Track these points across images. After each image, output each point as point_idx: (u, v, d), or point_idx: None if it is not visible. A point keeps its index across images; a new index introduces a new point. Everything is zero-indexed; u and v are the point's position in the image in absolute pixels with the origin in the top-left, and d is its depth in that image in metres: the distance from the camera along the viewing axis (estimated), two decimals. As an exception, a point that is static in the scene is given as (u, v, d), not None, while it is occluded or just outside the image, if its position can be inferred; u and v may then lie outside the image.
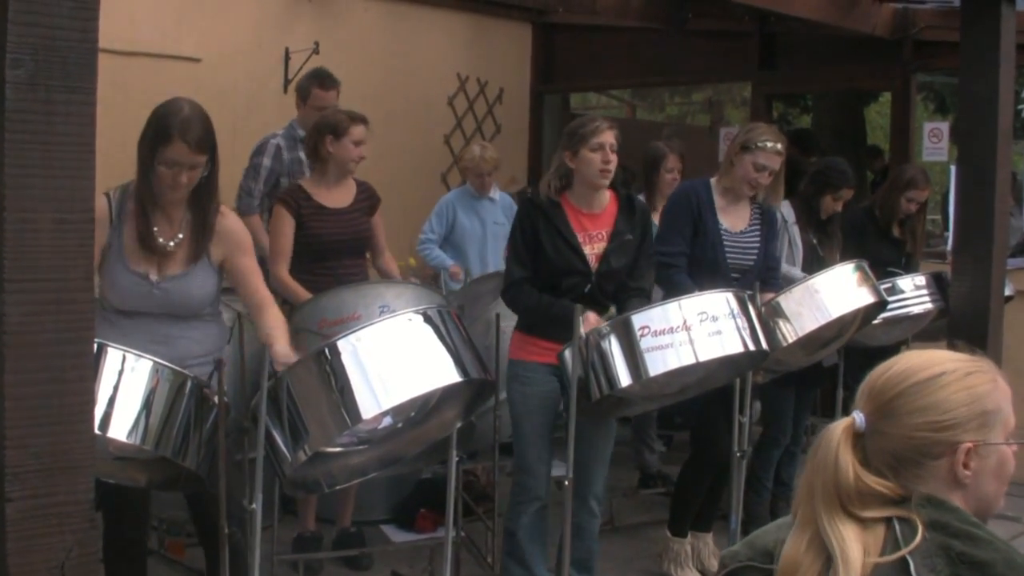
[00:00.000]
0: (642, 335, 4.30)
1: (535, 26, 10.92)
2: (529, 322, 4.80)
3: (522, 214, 4.84)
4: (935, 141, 9.15)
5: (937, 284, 6.42)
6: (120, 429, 3.61)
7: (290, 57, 8.55)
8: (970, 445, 2.00)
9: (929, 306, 6.37)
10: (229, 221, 4.23)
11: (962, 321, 5.85)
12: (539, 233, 4.71)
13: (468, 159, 7.31)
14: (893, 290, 6.16)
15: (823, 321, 5.31)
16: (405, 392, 3.80)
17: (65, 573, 2.64)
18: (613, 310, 4.70)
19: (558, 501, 4.75)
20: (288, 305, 5.31)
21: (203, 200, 4.09)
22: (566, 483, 4.46)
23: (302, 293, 5.30)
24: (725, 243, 5.42)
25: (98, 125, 2.65)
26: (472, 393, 4.18)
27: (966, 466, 2.00)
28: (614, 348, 4.33)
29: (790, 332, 5.22)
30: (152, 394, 3.68)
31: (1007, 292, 6.50)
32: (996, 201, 5.78)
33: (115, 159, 7.79)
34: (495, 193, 7.32)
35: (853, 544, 1.95)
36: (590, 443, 4.88)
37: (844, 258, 5.98)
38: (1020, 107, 13.45)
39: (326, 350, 3.73)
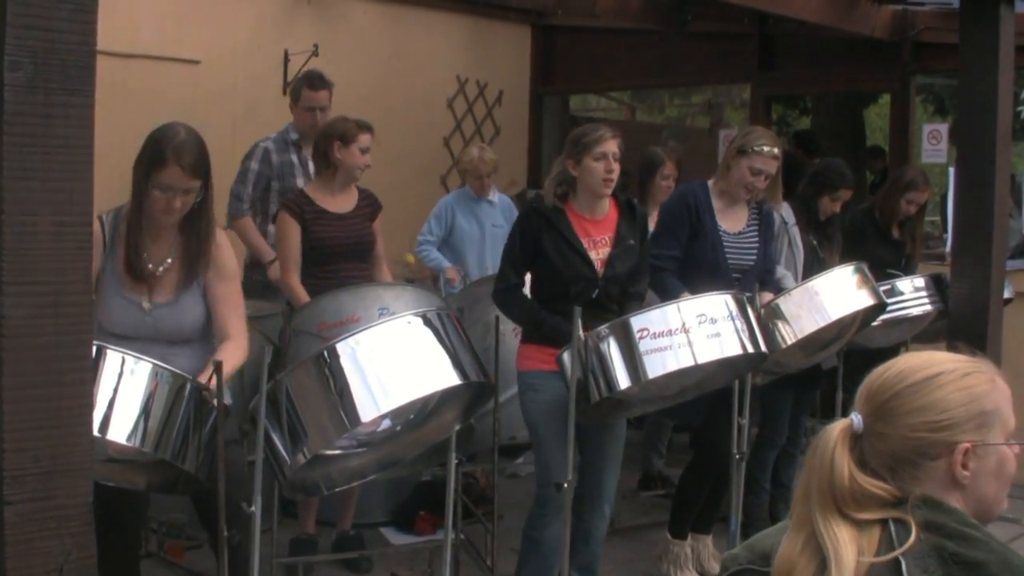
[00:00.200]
0: (641, 337, 4.30)
1: (534, 28, 10.93)
2: (526, 331, 4.80)
3: (524, 221, 4.81)
4: (934, 143, 9.15)
5: (936, 286, 6.41)
6: (119, 432, 3.61)
7: (289, 59, 8.55)
8: (968, 445, 2.00)
9: (928, 308, 6.36)
10: (223, 252, 4.18)
11: (961, 323, 5.84)
12: (543, 241, 4.69)
13: (467, 161, 7.31)
14: (892, 292, 6.16)
15: (822, 323, 5.31)
16: (404, 395, 3.80)
17: (64, 576, 2.64)
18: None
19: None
20: (289, 306, 5.32)
21: (195, 225, 4.06)
22: (565, 485, 4.45)
23: (303, 297, 5.31)
24: (725, 244, 5.42)
25: (97, 127, 2.66)
26: (471, 396, 4.18)
27: (964, 467, 2.00)
28: (613, 350, 4.33)
29: (789, 334, 5.22)
30: (151, 397, 3.67)
31: (1006, 294, 6.50)
32: (995, 203, 5.78)
33: (114, 161, 7.78)
34: (494, 195, 7.32)
35: (847, 546, 1.94)
36: (601, 446, 4.87)
37: (844, 260, 5.98)
38: (1019, 108, 13.45)
39: (325, 353, 3.73)
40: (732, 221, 5.50)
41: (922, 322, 6.51)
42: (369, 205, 5.73)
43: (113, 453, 3.87)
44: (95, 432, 3.20)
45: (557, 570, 4.81)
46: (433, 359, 3.85)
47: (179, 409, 3.73)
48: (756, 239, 5.53)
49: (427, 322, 3.89)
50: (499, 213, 7.28)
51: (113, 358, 3.63)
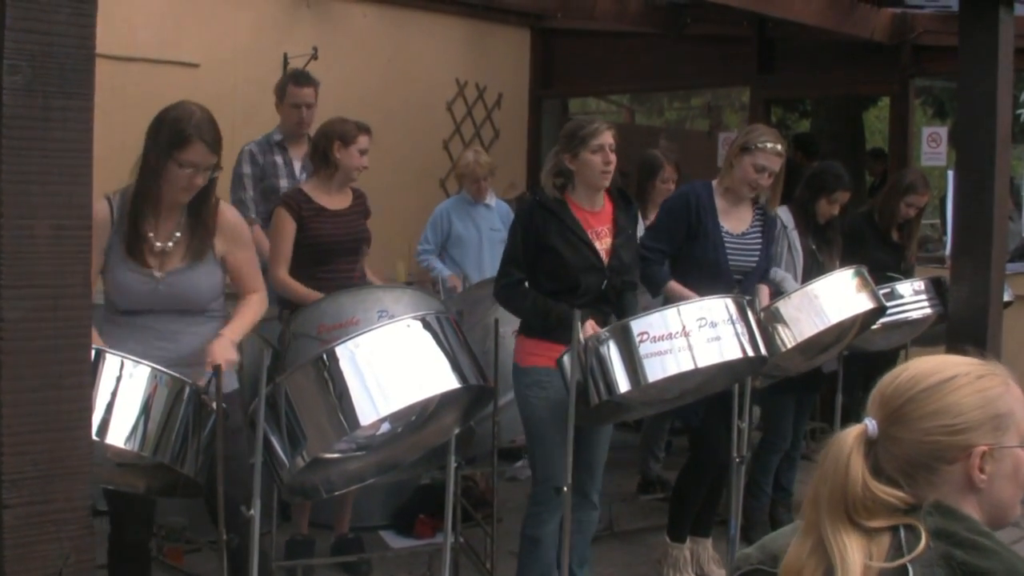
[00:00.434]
0: (641, 341, 4.30)
1: (533, 31, 10.93)
2: (528, 325, 4.79)
3: (527, 215, 4.79)
4: (934, 146, 9.15)
5: (936, 289, 6.41)
6: (118, 435, 3.61)
7: (289, 62, 8.54)
8: (985, 448, 1.98)
9: (928, 311, 6.36)
10: (229, 215, 4.27)
11: (961, 326, 5.84)
12: (549, 234, 4.68)
13: (463, 165, 7.32)
14: (892, 295, 6.16)
15: (822, 327, 5.31)
16: (403, 398, 3.80)
17: (62, 580, 2.63)
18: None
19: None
20: (287, 310, 5.31)
21: (204, 200, 4.12)
22: (565, 489, 4.45)
23: (304, 292, 5.30)
24: (727, 245, 5.42)
25: (96, 131, 2.65)
26: (471, 399, 4.17)
27: (981, 470, 1.98)
28: (613, 354, 4.33)
29: (789, 337, 5.22)
30: (150, 400, 3.67)
31: (1006, 297, 6.50)
32: (995, 205, 5.78)
33: (113, 165, 7.75)
34: (491, 200, 7.32)
35: (855, 554, 1.93)
36: (592, 441, 4.87)
37: (843, 263, 5.98)
38: (1019, 111, 13.48)
39: (324, 356, 3.73)
40: (735, 222, 5.49)
41: (922, 325, 6.51)
42: (362, 205, 5.75)
43: (112, 456, 3.87)
44: (94, 435, 3.20)
45: (556, 568, 4.83)
46: (432, 362, 3.85)
47: (178, 412, 3.73)
48: (759, 241, 5.52)
49: (426, 325, 3.88)
50: (497, 217, 7.28)
51: (112, 361, 3.63)
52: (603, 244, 4.78)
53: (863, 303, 5.50)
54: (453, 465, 4.24)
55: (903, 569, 1.91)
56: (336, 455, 4.22)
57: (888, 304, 5.89)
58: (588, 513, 5.00)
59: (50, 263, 2.59)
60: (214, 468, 3.81)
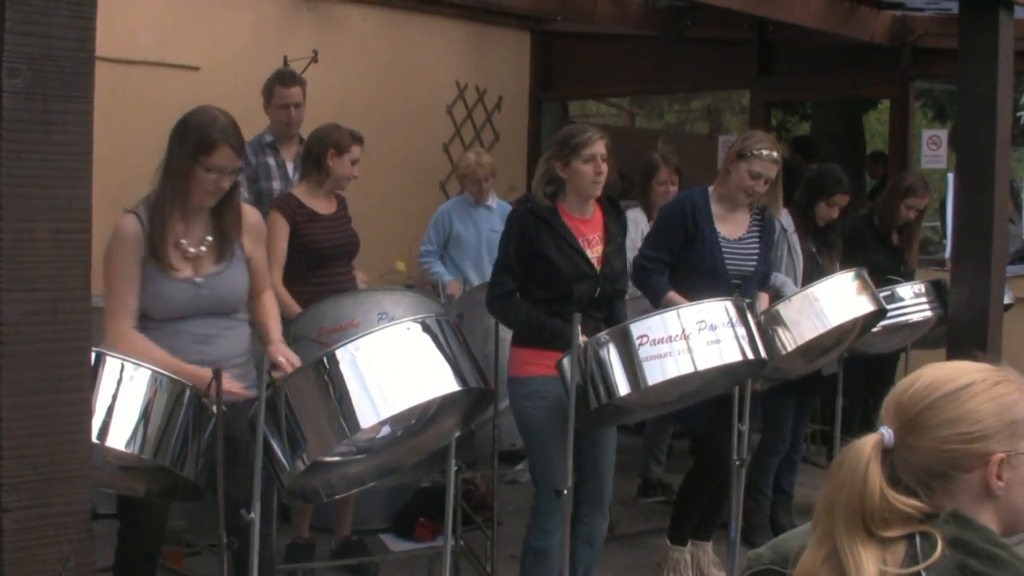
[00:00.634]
0: (641, 344, 4.29)
1: (534, 34, 10.92)
2: (521, 335, 4.78)
3: (519, 223, 4.75)
4: (934, 148, 9.16)
5: (936, 292, 6.41)
6: (118, 438, 3.61)
7: (289, 65, 8.52)
8: (1003, 455, 1.97)
9: (928, 314, 6.36)
10: (252, 215, 4.37)
11: (961, 329, 5.84)
12: (541, 242, 4.67)
13: (464, 166, 7.31)
14: (892, 298, 6.16)
15: (822, 329, 5.30)
16: (404, 401, 3.79)
17: (62, 583, 2.63)
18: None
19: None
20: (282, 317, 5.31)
21: (228, 201, 4.16)
22: (565, 492, 4.44)
23: (288, 301, 5.31)
24: (724, 250, 5.42)
25: (97, 134, 2.65)
26: (471, 402, 4.17)
27: (999, 477, 1.97)
28: (613, 357, 4.32)
29: (789, 340, 5.22)
30: (151, 403, 3.67)
31: (1006, 299, 6.50)
32: (995, 208, 5.77)
33: (113, 168, 7.77)
34: (493, 201, 7.32)
35: (870, 565, 1.92)
36: (599, 447, 4.86)
37: (843, 266, 5.97)
38: (1019, 114, 13.48)
39: (324, 359, 3.72)
40: (732, 227, 5.49)
41: (922, 328, 6.50)
42: (346, 208, 5.78)
43: (112, 460, 3.86)
44: (94, 439, 3.20)
45: None
46: (433, 365, 3.84)
47: (178, 415, 3.73)
48: (757, 246, 5.52)
49: (426, 328, 3.87)
50: (497, 219, 7.26)
51: (112, 364, 3.63)
52: (595, 252, 4.77)
53: (863, 306, 5.50)
54: (453, 468, 4.23)
55: None
56: (336, 458, 4.21)
57: (888, 307, 5.88)
58: (600, 525, 4.97)
59: (50, 266, 2.59)
60: (211, 473, 3.81)
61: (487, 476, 6.20)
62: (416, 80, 9.82)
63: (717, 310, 4.47)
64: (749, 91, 10.41)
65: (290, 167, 6.42)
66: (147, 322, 4.06)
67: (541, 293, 4.71)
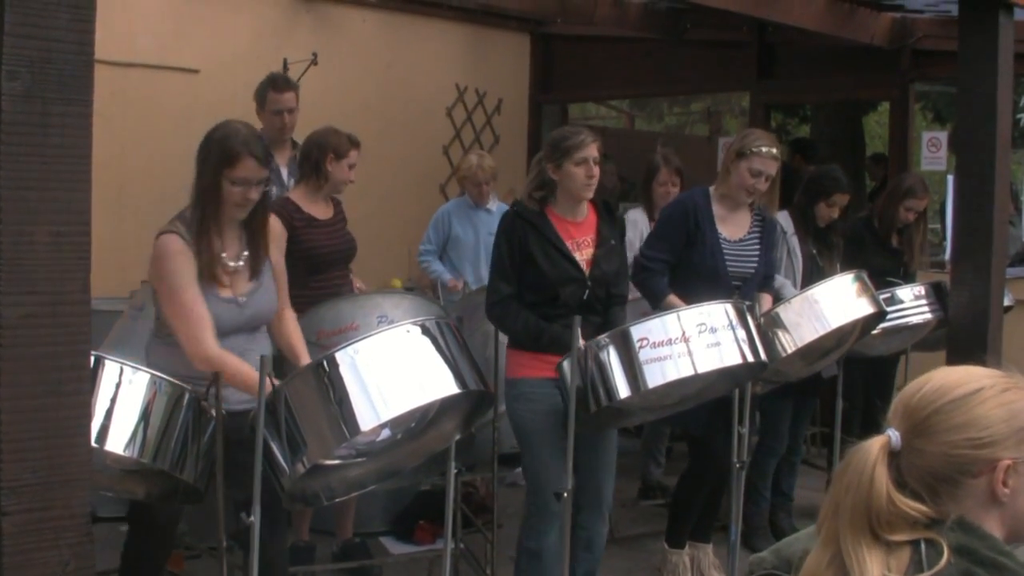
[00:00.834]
0: (641, 346, 4.29)
1: (533, 36, 10.93)
2: (519, 342, 4.78)
3: (508, 227, 4.77)
4: (934, 150, 9.16)
5: (936, 294, 6.41)
6: (117, 442, 3.61)
7: (288, 68, 8.54)
8: (1009, 462, 1.96)
9: (928, 316, 6.36)
10: (276, 225, 4.45)
11: (961, 331, 5.83)
12: (528, 245, 4.68)
13: (465, 168, 7.30)
14: (892, 300, 6.16)
15: (822, 331, 5.30)
16: (404, 404, 3.79)
17: (62, 587, 2.63)
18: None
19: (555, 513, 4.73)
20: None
21: (256, 215, 4.17)
22: (565, 495, 4.44)
23: None
24: (724, 251, 5.42)
25: (96, 137, 2.65)
26: (471, 405, 4.16)
27: (1005, 484, 1.97)
28: (613, 359, 4.32)
29: (789, 343, 5.21)
30: (150, 406, 3.68)
31: (1007, 302, 6.50)
32: (995, 210, 5.77)
33: (113, 170, 7.78)
34: (492, 204, 7.31)
35: (874, 568, 1.91)
36: (598, 453, 4.86)
37: (843, 268, 5.97)
38: (1019, 116, 13.49)
39: (324, 362, 3.71)
40: (733, 228, 5.50)
41: (922, 330, 6.50)
42: (343, 211, 5.77)
43: (111, 463, 3.86)
44: (93, 442, 3.20)
45: None
46: (432, 368, 3.83)
47: (177, 418, 3.74)
48: (757, 247, 5.52)
49: (426, 331, 3.87)
50: (496, 221, 7.25)
51: (111, 368, 3.63)
52: (584, 255, 4.77)
53: (863, 308, 5.50)
54: (453, 471, 4.23)
55: None
56: (336, 461, 4.20)
57: (888, 309, 5.88)
58: (599, 529, 4.96)
59: (49, 269, 2.59)
60: (210, 476, 3.81)
61: (487, 479, 6.19)
62: (416, 82, 9.82)
63: (717, 312, 4.46)
64: (749, 93, 10.41)
65: (284, 172, 6.40)
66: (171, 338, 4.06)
67: (531, 297, 4.71)
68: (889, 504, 1.96)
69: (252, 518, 3.73)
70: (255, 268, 4.17)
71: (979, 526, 1.95)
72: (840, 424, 6.53)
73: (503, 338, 5.10)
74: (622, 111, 17.22)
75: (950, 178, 8.11)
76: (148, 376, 3.69)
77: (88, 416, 2.78)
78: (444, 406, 4.12)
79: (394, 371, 3.75)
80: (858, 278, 5.52)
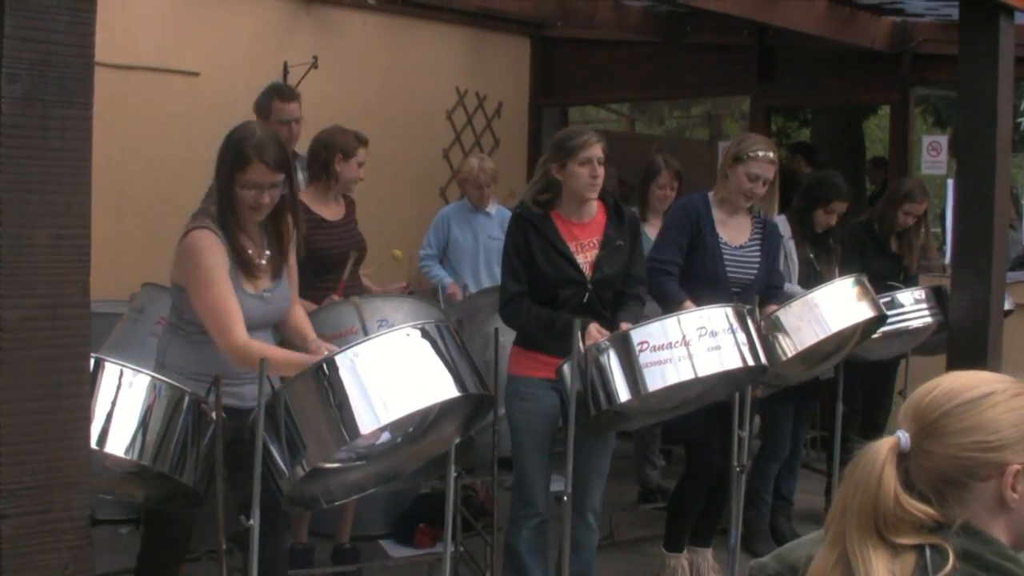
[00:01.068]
0: (641, 350, 4.29)
1: (534, 40, 10.93)
2: (529, 337, 4.78)
3: (513, 228, 4.81)
4: (934, 154, 9.16)
5: (936, 298, 6.40)
6: (117, 444, 3.61)
7: (289, 71, 8.55)
8: (1019, 467, 1.96)
9: (928, 320, 6.35)
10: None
11: (961, 335, 5.83)
12: (530, 247, 4.70)
13: (466, 171, 7.30)
14: (892, 304, 6.15)
15: (822, 335, 5.30)
16: (403, 407, 3.78)
17: (61, 590, 2.62)
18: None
19: (557, 516, 4.74)
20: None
21: (281, 215, 4.18)
22: (564, 498, 4.44)
23: None
24: (725, 257, 5.42)
25: (96, 139, 2.64)
26: (471, 408, 4.16)
27: (1013, 489, 1.96)
28: (613, 363, 4.32)
29: (789, 346, 5.21)
30: (149, 409, 3.68)
31: (1007, 306, 6.49)
32: (995, 214, 5.77)
33: (113, 174, 7.78)
34: (492, 207, 7.31)
35: (880, 570, 1.91)
36: (589, 456, 4.86)
37: (843, 272, 5.97)
38: (1019, 119, 13.49)
39: (324, 365, 3.71)
40: (734, 233, 5.50)
41: (922, 334, 6.49)
42: (354, 211, 5.77)
43: (111, 466, 3.86)
44: (93, 445, 3.19)
45: None
46: (432, 371, 3.83)
47: (177, 421, 3.73)
48: (758, 254, 5.52)
49: (426, 334, 3.87)
50: (496, 225, 7.26)
51: (111, 370, 3.63)
52: (587, 257, 4.77)
53: (864, 312, 5.49)
54: (453, 474, 4.22)
55: None
56: (336, 465, 4.20)
57: (888, 313, 5.88)
58: (583, 533, 4.95)
59: (49, 272, 2.58)
60: (210, 478, 3.81)
61: (487, 482, 6.19)
62: (416, 86, 9.83)
63: (718, 316, 4.46)
64: (749, 97, 10.42)
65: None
66: (197, 334, 4.06)
67: (535, 296, 4.73)
68: (896, 505, 1.95)
69: (251, 521, 3.73)
70: (276, 269, 4.19)
71: (985, 531, 1.95)
72: (840, 428, 6.52)
73: (503, 341, 5.10)
74: (622, 115, 17.22)
75: (950, 182, 8.11)
76: (148, 379, 3.69)
77: (88, 419, 2.77)
78: (444, 409, 4.12)
79: (394, 374, 3.75)
80: (858, 282, 5.52)
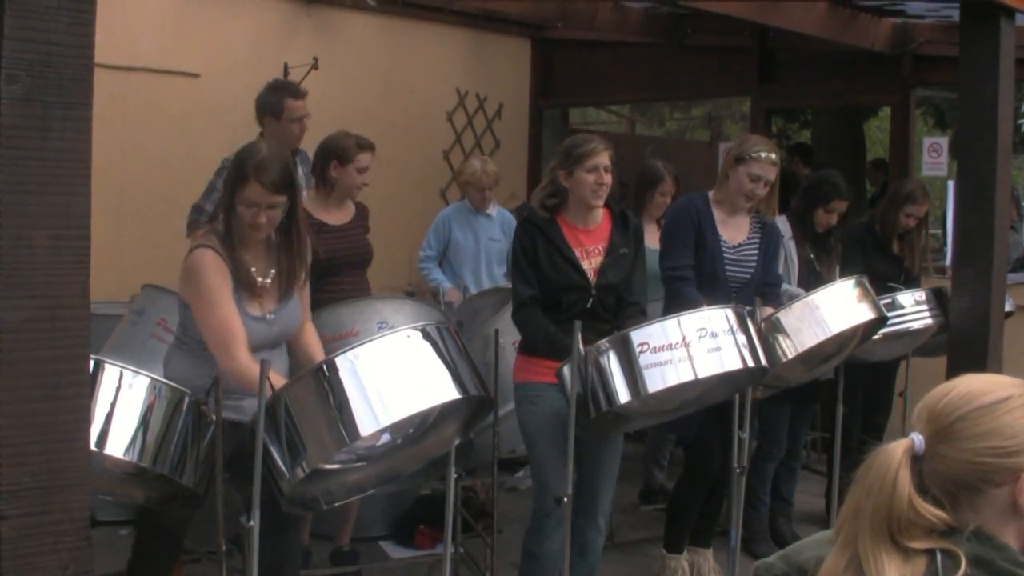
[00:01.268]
0: (641, 351, 4.28)
1: (534, 41, 10.93)
2: (535, 346, 4.78)
3: (520, 233, 4.83)
4: (934, 156, 9.16)
5: (937, 299, 6.40)
6: (117, 446, 3.61)
7: (289, 72, 8.54)
8: None
9: (929, 321, 6.35)
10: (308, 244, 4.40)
11: (962, 336, 5.83)
12: (536, 251, 4.71)
13: (468, 173, 7.29)
14: (893, 305, 6.14)
15: (823, 337, 5.29)
16: (404, 409, 3.78)
17: (60, 591, 2.62)
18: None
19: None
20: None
21: (288, 237, 4.15)
22: (565, 499, 4.44)
23: None
24: (724, 256, 5.42)
25: (96, 141, 2.64)
26: (471, 410, 4.16)
27: None
28: (613, 364, 4.31)
29: (790, 348, 5.20)
30: (149, 411, 3.68)
31: (1007, 307, 6.48)
32: (996, 216, 5.77)
33: (113, 175, 7.78)
34: (493, 209, 7.31)
35: (892, 574, 1.90)
36: (598, 459, 4.86)
37: (844, 273, 5.97)
38: (1020, 121, 13.48)
39: (324, 367, 3.71)
40: (733, 232, 5.50)
41: (923, 336, 6.49)
42: (364, 219, 5.75)
43: (111, 467, 3.86)
44: (92, 446, 3.20)
45: None
46: (432, 373, 3.83)
47: (177, 423, 3.73)
48: (756, 253, 5.52)
49: (426, 336, 3.87)
50: (497, 227, 7.27)
51: (111, 372, 3.63)
52: (592, 263, 4.78)
53: (864, 313, 5.49)
54: (453, 476, 4.22)
55: None
56: (336, 466, 4.20)
57: (889, 314, 5.88)
58: (592, 536, 4.94)
59: (48, 273, 2.58)
60: (210, 480, 3.81)
61: (487, 483, 6.19)
62: (416, 87, 9.83)
63: (718, 317, 4.46)
64: (750, 98, 10.42)
65: None
66: (202, 349, 4.06)
67: (543, 300, 4.73)
68: (910, 509, 1.94)
69: (251, 522, 3.72)
70: (284, 289, 4.16)
71: (996, 537, 1.94)
72: (840, 429, 6.52)
73: (503, 342, 5.10)
74: (623, 116, 17.23)
75: (951, 183, 8.11)
76: (148, 380, 3.69)
77: (87, 420, 2.77)
78: (444, 411, 4.12)
79: (394, 376, 3.75)
80: (859, 283, 5.52)
